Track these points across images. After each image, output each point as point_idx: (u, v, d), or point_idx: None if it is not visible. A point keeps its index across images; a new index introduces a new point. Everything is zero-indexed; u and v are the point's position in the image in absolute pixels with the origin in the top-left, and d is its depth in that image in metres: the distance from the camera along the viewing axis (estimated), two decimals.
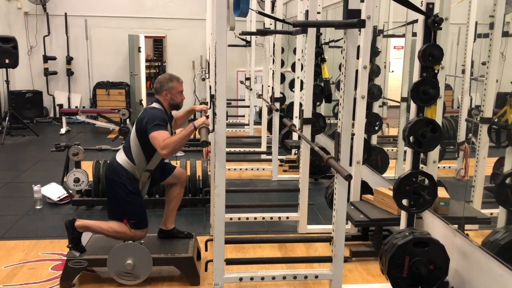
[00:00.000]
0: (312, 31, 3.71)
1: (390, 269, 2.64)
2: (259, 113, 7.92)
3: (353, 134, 3.54)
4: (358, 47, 3.43)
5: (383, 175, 4.40)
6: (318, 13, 4.37)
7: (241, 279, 2.84)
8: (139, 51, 9.22)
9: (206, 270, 3.17)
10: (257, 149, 6.61)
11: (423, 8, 2.61)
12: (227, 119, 2.81)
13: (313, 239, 3.71)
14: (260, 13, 4.89)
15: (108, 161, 3.30)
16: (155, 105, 3.12)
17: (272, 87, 5.63)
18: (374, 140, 5.10)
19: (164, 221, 3.34)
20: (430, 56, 2.60)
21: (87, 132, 8.53)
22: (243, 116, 8.99)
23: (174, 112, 3.30)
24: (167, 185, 3.37)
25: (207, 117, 3.16)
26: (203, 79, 9.45)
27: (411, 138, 2.67)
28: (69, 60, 9.49)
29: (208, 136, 2.87)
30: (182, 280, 3.10)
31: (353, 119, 3.28)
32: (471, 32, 4.77)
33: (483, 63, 3.77)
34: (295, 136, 5.86)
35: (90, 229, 3.12)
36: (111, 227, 3.08)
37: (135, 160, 3.03)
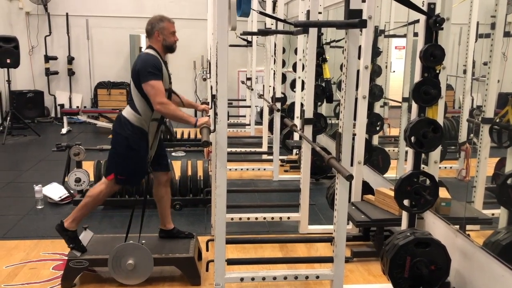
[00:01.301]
0: (313, 31, 3.71)
1: (391, 270, 2.64)
2: (260, 113, 7.92)
3: (354, 135, 3.54)
4: (360, 47, 3.43)
5: (384, 176, 4.40)
6: (320, 13, 4.37)
7: (242, 279, 2.84)
8: (140, 51, 9.21)
9: (207, 270, 3.17)
10: (258, 149, 6.60)
11: (425, 8, 2.61)
12: (228, 119, 2.80)
13: (314, 239, 3.71)
14: (261, 13, 4.90)
15: None
16: (148, 51, 3.06)
17: (273, 87, 5.63)
18: (375, 140, 5.10)
19: (162, 221, 3.34)
20: (432, 56, 2.60)
21: (88, 132, 8.53)
22: (244, 116, 8.99)
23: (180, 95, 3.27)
24: (154, 184, 3.33)
25: (209, 116, 3.16)
26: (204, 79, 9.44)
27: (412, 138, 2.67)
28: (70, 60, 9.49)
29: (209, 136, 2.87)
30: (183, 280, 3.10)
31: (355, 119, 3.27)
32: (473, 32, 4.77)
33: (485, 63, 3.76)
34: (296, 136, 5.86)
35: (77, 217, 3.07)
36: (88, 196, 3.10)
37: (140, 111, 2.99)
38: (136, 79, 2.96)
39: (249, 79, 7.91)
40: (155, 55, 3.03)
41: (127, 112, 3.04)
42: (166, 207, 3.33)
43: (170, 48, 3.11)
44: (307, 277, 2.89)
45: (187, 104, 3.52)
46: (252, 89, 7.71)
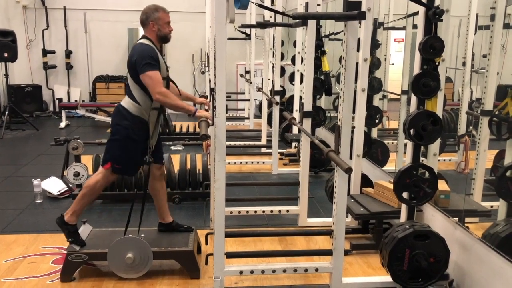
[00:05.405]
0: (312, 23, 3.69)
1: (391, 262, 2.64)
2: (259, 107, 7.91)
3: (353, 127, 3.53)
4: (358, 39, 3.41)
5: (383, 168, 4.40)
6: (318, 5, 4.35)
7: (241, 272, 2.85)
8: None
9: (206, 263, 3.17)
10: (257, 143, 6.60)
11: (424, 0, 2.59)
12: (227, 113, 2.80)
13: (313, 232, 3.72)
14: (259, 5, 4.86)
15: None
16: (143, 41, 3.02)
17: (272, 80, 5.62)
18: (374, 133, 5.10)
19: (160, 215, 3.33)
20: (431, 48, 2.59)
21: (86, 126, 8.52)
22: (243, 109, 8.97)
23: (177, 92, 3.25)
24: (150, 178, 3.29)
25: (207, 110, 3.15)
26: (203, 73, 9.43)
27: (411, 131, 2.66)
28: (68, 54, 9.46)
29: (208, 130, 2.86)
30: (183, 273, 3.11)
31: (353, 112, 3.27)
32: (472, 24, 4.75)
33: (484, 56, 3.75)
34: (295, 130, 5.85)
35: (76, 210, 3.07)
36: (86, 186, 3.08)
37: (139, 100, 2.97)
38: (133, 70, 2.93)
39: (247, 72, 7.89)
40: (150, 45, 3.00)
41: (126, 102, 3.01)
42: (162, 201, 3.32)
43: (165, 38, 3.08)
44: (306, 270, 2.90)
45: (185, 96, 3.49)
46: (251, 82, 7.68)
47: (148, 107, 2.99)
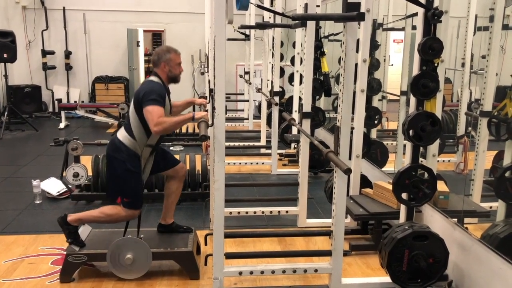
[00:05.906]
0: (311, 24, 3.69)
1: (390, 263, 2.65)
2: (259, 107, 7.91)
3: (352, 128, 3.53)
4: (358, 40, 3.41)
5: (383, 169, 4.40)
6: (318, 6, 4.35)
7: (240, 273, 2.85)
8: (138, 45, 9.17)
9: (205, 264, 3.17)
10: (256, 143, 6.61)
11: (423, 1, 2.60)
12: (226, 113, 2.81)
13: (312, 233, 3.72)
14: (259, 6, 4.87)
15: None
16: (153, 78, 3.08)
17: (272, 81, 5.62)
18: (373, 134, 5.10)
19: (164, 215, 3.33)
20: (430, 49, 2.60)
21: (86, 127, 8.52)
22: (243, 110, 8.98)
23: (173, 101, 3.27)
24: (166, 177, 3.35)
25: (207, 111, 3.15)
26: (202, 73, 9.42)
27: (410, 131, 2.67)
28: (67, 54, 9.45)
29: (207, 131, 2.86)
30: (182, 274, 3.11)
31: (353, 113, 3.27)
32: (471, 25, 4.75)
33: (483, 57, 3.75)
34: (294, 130, 5.86)
35: (83, 220, 3.11)
36: (102, 211, 3.08)
37: (135, 135, 2.99)
38: (138, 105, 2.95)
39: (247, 73, 7.89)
40: (160, 83, 3.05)
41: (122, 135, 3.03)
42: (172, 203, 3.34)
43: (175, 79, 3.13)
44: (305, 271, 2.90)
45: (184, 104, 3.50)
46: (250, 83, 7.69)
47: (143, 144, 3.03)
